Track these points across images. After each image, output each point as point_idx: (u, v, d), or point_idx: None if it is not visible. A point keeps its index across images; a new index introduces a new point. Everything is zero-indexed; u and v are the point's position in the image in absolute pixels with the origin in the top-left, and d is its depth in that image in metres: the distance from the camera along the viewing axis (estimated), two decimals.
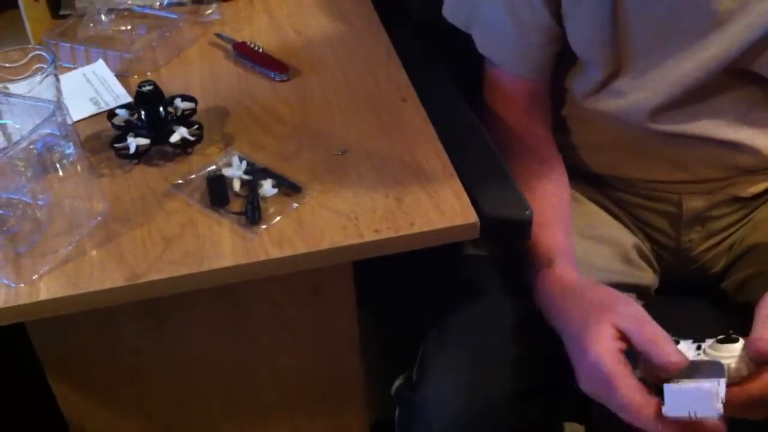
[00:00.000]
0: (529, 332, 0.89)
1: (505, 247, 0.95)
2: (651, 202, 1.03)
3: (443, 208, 0.84)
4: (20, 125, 0.86)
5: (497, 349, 0.88)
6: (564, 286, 0.85)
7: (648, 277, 1.02)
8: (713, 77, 0.91)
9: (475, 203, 0.84)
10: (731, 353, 0.72)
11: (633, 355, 0.75)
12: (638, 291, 0.98)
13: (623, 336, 0.75)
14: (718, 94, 0.93)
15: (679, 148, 0.97)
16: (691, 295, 1.04)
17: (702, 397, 0.69)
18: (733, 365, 0.72)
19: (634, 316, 0.76)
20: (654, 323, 0.75)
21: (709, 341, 0.75)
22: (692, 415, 0.70)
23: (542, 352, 0.89)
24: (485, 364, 0.87)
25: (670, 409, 0.71)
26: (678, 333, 0.76)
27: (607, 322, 0.76)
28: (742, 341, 0.73)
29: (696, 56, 0.90)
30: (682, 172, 0.99)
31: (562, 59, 0.98)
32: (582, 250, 0.94)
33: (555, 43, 0.96)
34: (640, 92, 0.93)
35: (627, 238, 1.02)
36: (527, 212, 0.85)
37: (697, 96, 0.93)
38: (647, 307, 0.79)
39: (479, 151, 0.94)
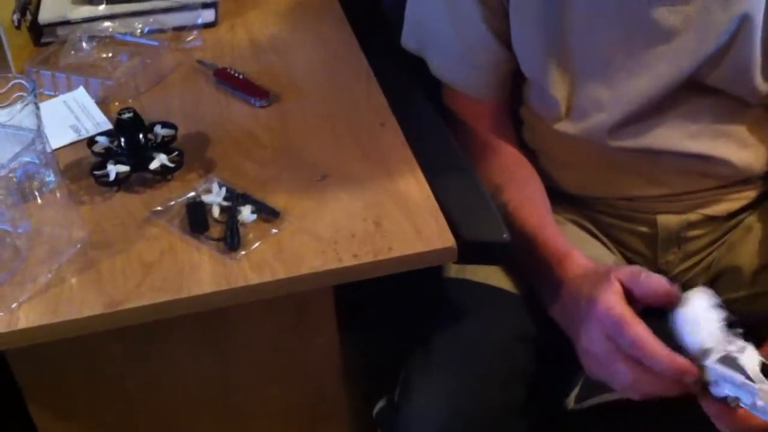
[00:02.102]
0: (512, 352, 0.90)
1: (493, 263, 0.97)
2: (626, 223, 1.04)
3: (422, 232, 0.84)
4: (0, 153, 0.86)
5: (480, 369, 0.89)
6: (587, 272, 0.87)
7: None
8: (669, 92, 0.92)
9: (453, 226, 0.85)
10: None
11: None
12: None
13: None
14: (678, 107, 0.94)
15: (646, 163, 0.98)
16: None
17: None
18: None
19: (631, 270, 0.83)
20: (648, 271, 0.82)
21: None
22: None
23: (526, 371, 0.90)
24: (469, 384, 0.88)
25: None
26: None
27: (612, 277, 0.81)
28: None
29: (647, 74, 0.91)
30: (653, 187, 1.00)
31: (526, 81, 0.99)
32: None
33: (506, 64, 0.98)
34: (598, 113, 0.95)
35: (607, 258, 1.03)
36: (504, 235, 0.85)
37: (656, 111, 0.94)
38: None
39: (457, 174, 0.95)
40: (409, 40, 1.05)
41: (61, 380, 0.92)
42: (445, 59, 1.02)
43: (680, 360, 0.75)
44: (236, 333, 0.94)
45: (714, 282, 1.03)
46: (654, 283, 0.81)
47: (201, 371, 0.95)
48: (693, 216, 1.02)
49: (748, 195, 1.03)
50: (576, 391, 0.94)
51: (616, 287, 0.80)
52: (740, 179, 1.01)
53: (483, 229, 0.87)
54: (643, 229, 1.03)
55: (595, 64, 0.93)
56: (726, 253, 1.03)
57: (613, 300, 0.79)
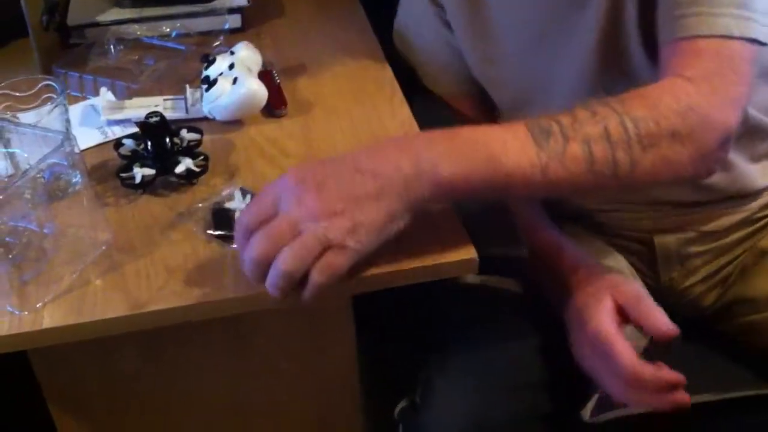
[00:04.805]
0: (530, 359, 0.90)
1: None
2: (625, 241, 1.03)
3: (442, 243, 0.84)
4: (28, 154, 0.87)
5: (500, 376, 0.90)
6: (574, 266, 0.90)
7: None
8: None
9: (473, 238, 0.85)
10: None
11: None
12: None
13: (621, 311, 0.83)
14: None
15: None
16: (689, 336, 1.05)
17: None
18: None
19: (632, 293, 0.85)
20: (650, 299, 0.84)
21: None
22: None
23: (544, 379, 0.90)
24: (491, 387, 0.89)
25: None
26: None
27: (608, 297, 0.83)
28: None
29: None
30: (637, 194, 1.00)
31: None
32: None
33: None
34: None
35: (626, 270, 1.03)
36: (523, 250, 0.86)
37: None
38: None
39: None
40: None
41: (78, 380, 0.92)
42: (427, 61, 1.07)
43: (666, 374, 0.78)
44: (252, 339, 0.94)
45: (731, 307, 1.03)
46: (652, 318, 0.83)
47: (215, 377, 0.96)
48: (690, 233, 1.01)
49: (750, 208, 1.01)
50: (592, 402, 0.94)
51: (608, 306, 0.83)
52: (731, 196, 1.00)
53: (504, 242, 0.88)
54: (640, 248, 1.03)
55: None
56: (740, 278, 1.02)
57: (604, 323, 0.82)
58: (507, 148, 0.74)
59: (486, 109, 1.07)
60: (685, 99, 0.76)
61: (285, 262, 0.70)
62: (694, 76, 0.78)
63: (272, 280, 0.72)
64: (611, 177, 0.75)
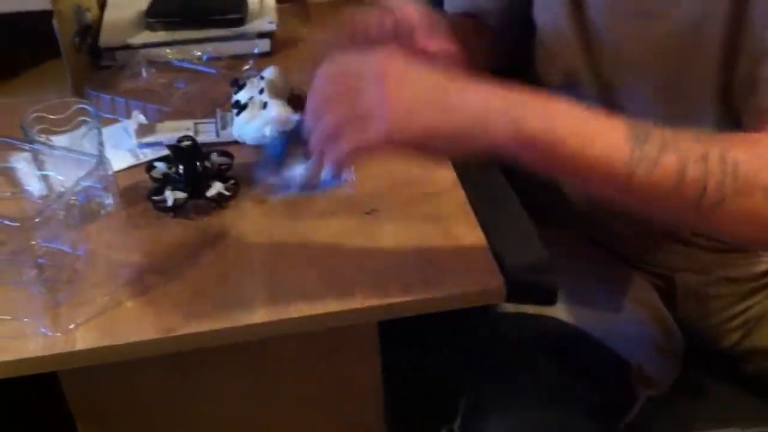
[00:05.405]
0: (572, 387, 0.90)
1: None
2: (646, 274, 1.03)
3: (471, 270, 0.85)
4: (62, 176, 0.89)
5: (540, 406, 0.89)
6: None
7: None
8: None
9: (501, 266, 0.85)
10: None
11: None
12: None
13: None
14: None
15: None
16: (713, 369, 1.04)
17: None
18: None
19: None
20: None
21: None
22: None
23: (588, 403, 0.90)
24: (535, 418, 0.88)
25: None
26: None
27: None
28: None
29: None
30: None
31: None
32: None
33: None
34: None
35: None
36: (553, 280, 0.86)
37: None
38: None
39: (505, 212, 0.95)
40: None
41: (106, 399, 0.93)
42: None
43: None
44: (275, 363, 0.95)
45: (753, 352, 1.02)
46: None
47: (237, 401, 0.96)
48: (713, 276, 1.01)
49: None
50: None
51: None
52: None
53: (533, 272, 0.88)
54: (660, 282, 1.03)
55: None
56: (759, 325, 1.02)
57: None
58: (601, 133, 0.70)
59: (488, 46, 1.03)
60: None
61: (345, 140, 0.71)
62: None
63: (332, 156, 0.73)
64: (692, 205, 0.71)
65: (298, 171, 0.93)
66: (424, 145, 0.71)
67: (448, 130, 0.70)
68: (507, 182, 0.96)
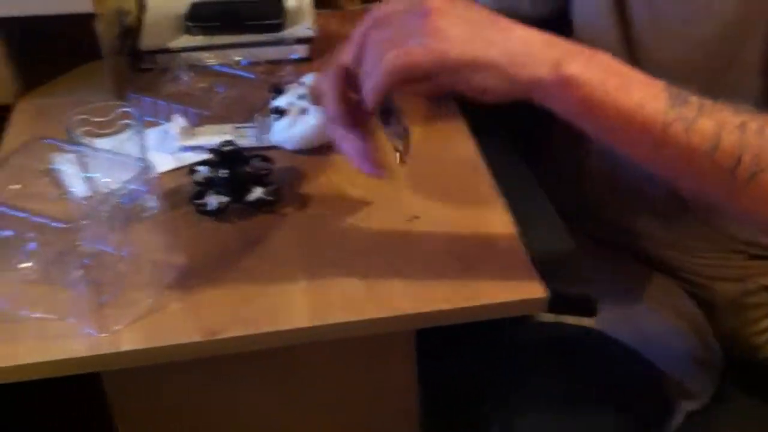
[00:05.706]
0: (609, 398, 0.90)
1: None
2: (684, 284, 1.03)
3: (510, 279, 0.85)
4: (105, 177, 0.90)
5: (584, 414, 0.89)
6: None
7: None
8: None
9: (545, 277, 0.85)
10: None
11: None
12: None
13: None
14: None
15: None
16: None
17: None
18: None
19: None
20: None
21: None
22: None
23: (625, 418, 0.90)
24: (572, 429, 0.88)
25: None
26: None
27: None
28: None
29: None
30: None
31: None
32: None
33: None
34: None
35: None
36: (593, 293, 0.86)
37: None
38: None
39: (545, 223, 0.95)
40: None
41: (146, 401, 0.94)
42: None
43: None
44: (309, 369, 0.95)
45: None
46: None
47: (267, 408, 0.97)
48: (750, 285, 1.01)
49: None
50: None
51: None
52: None
53: (571, 283, 0.88)
54: (700, 292, 1.02)
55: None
56: None
57: None
58: (640, 86, 0.69)
59: None
60: None
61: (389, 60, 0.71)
62: None
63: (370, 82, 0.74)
64: (726, 175, 0.68)
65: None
66: (463, 76, 0.71)
67: (493, 59, 0.69)
68: (546, 196, 0.96)
